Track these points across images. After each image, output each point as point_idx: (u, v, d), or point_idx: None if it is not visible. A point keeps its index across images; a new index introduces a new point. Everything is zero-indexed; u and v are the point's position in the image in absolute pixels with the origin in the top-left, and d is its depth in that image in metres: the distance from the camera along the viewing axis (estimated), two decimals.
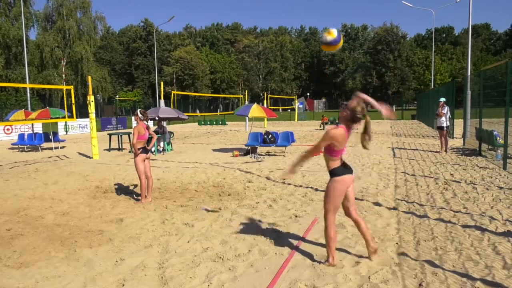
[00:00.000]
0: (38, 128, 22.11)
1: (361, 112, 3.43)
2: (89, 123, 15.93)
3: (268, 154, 12.50)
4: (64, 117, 15.74)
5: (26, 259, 4.04)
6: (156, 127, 14.15)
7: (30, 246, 4.42)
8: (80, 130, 26.56)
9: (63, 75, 45.04)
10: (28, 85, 29.16)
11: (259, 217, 5.42)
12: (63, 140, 16.46)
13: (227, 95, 66.26)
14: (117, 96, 56.38)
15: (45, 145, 16.06)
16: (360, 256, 3.88)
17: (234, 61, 79.95)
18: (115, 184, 7.83)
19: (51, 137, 15.34)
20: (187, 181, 7.96)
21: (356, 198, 6.01)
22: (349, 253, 4.00)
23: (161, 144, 13.68)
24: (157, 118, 13.15)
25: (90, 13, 59.44)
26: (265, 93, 43.94)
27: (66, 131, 25.24)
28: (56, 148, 15.64)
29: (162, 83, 19.23)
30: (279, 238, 4.51)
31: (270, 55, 78.40)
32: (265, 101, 32.76)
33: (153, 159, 11.65)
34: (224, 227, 5.00)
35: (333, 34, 4.14)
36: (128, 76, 74.41)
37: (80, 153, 13.92)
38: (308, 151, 3.67)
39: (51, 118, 14.67)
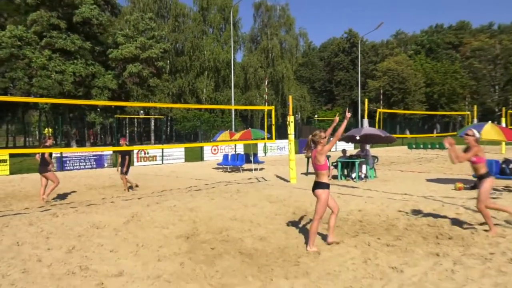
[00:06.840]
0: (240, 149, 25.68)
1: None
2: (287, 144, 17.45)
3: (508, 188, 11.02)
4: (263, 138, 17.70)
5: (227, 282, 4.65)
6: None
7: (230, 268, 5.07)
8: (278, 152, 29.57)
9: (265, 95, 53.15)
10: (233, 107, 34.86)
11: (495, 272, 4.73)
12: (262, 162, 18.76)
13: (447, 112, 60.72)
14: (316, 116, 63.04)
15: (245, 166, 18.45)
16: None
17: (459, 69, 73.18)
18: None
19: (251, 158, 17.58)
20: (393, 216, 7.93)
21: None
22: None
23: (363, 169, 13.69)
24: (357, 138, 13.34)
25: (294, 30, 69.37)
26: (503, 109, 38.10)
27: (265, 153, 28.60)
28: (255, 169, 17.85)
29: (366, 100, 19.31)
30: None
31: None
32: (503, 119, 28.65)
33: (354, 187, 11.97)
34: (444, 279, 4.60)
35: None
36: (328, 93, 79.01)
37: (277, 176, 15.37)
38: None
39: (252, 139, 16.73)
